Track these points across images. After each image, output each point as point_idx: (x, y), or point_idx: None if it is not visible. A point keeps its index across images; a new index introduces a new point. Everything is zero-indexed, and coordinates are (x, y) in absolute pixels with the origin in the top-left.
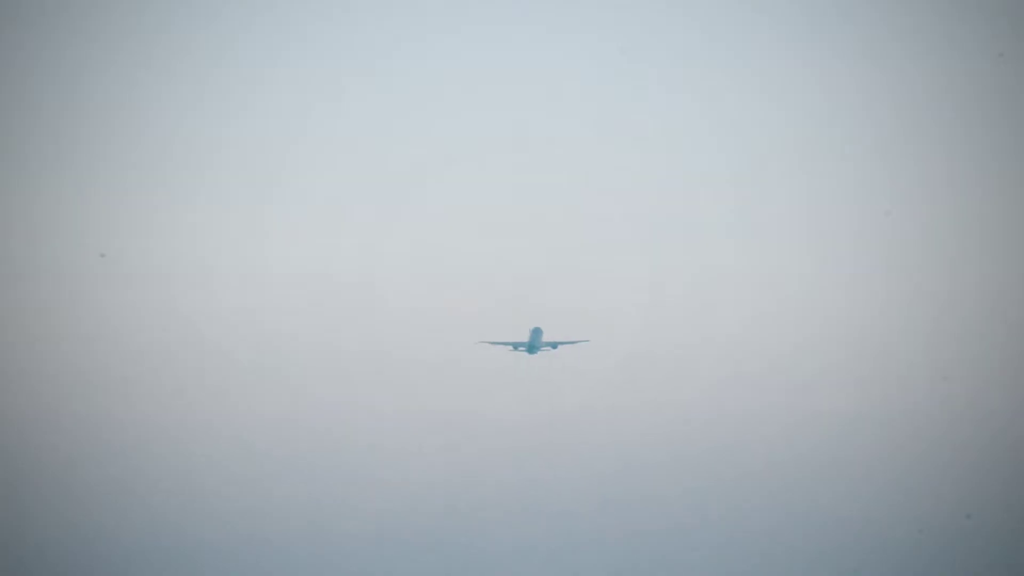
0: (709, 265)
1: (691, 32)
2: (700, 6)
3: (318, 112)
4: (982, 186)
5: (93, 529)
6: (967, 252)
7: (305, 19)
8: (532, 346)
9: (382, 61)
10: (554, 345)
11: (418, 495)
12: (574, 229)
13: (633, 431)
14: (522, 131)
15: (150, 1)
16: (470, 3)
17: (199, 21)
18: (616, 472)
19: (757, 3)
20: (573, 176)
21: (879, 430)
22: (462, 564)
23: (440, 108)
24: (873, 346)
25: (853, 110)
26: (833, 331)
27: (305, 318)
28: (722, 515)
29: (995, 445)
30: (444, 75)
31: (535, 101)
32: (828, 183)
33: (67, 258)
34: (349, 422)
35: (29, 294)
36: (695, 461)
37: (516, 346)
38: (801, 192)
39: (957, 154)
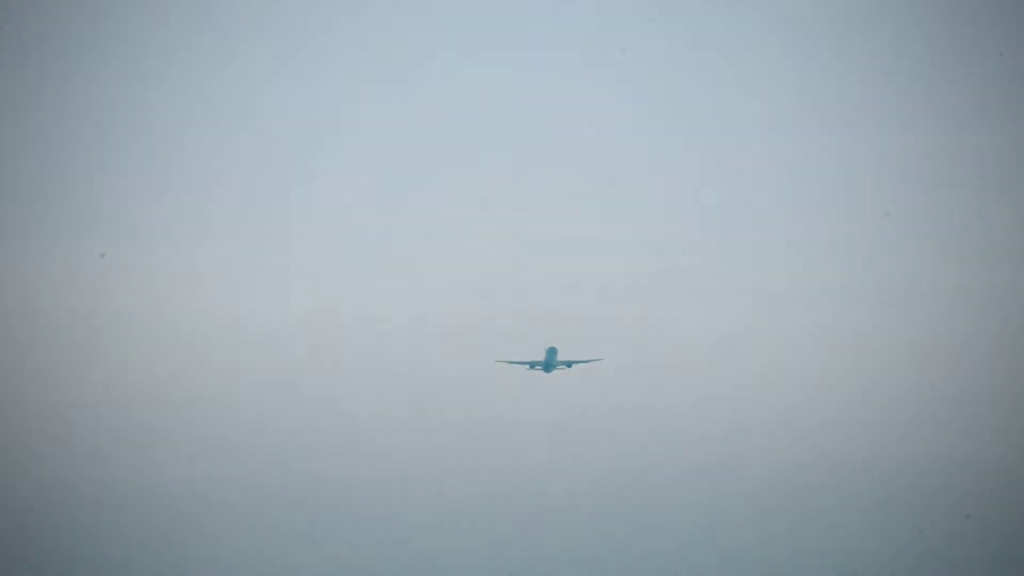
0: (723, 287)
1: (694, 37)
2: (697, 8)
3: (321, 123)
4: (982, 186)
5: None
6: (967, 253)
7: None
8: (548, 365)
9: (387, 70)
10: (569, 364)
11: (435, 514)
12: (589, 250)
13: (641, 446)
14: (539, 153)
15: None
16: (478, 26)
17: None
18: (624, 488)
19: (755, 4)
20: (588, 198)
21: (878, 433)
22: None
23: (452, 128)
24: (889, 360)
25: (852, 110)
26: (851, 343)
27: (324, 341)
28: (729, 529)
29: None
30: (455, 92)
31: (556, 122)
32: (828, 183)
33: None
34: (375, 443)
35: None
36: (703, 478)
37: (532, 365)
38: (804, 198)
39: (957, 154)
